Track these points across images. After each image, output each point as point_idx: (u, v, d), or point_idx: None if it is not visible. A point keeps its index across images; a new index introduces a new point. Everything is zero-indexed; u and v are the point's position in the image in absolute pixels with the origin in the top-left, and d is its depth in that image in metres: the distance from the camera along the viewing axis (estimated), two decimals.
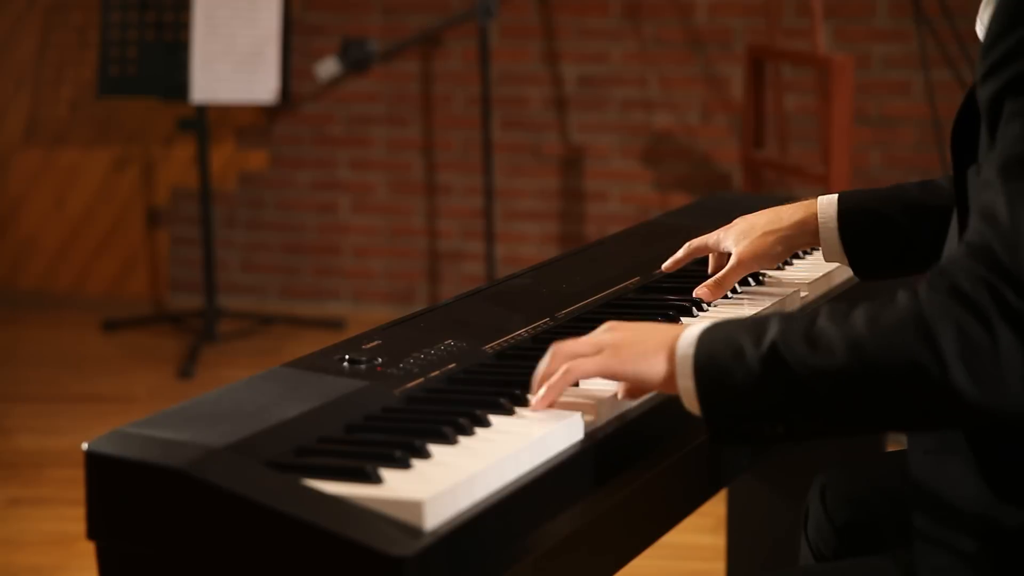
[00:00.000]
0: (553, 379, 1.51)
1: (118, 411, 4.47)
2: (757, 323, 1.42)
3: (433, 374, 1.64)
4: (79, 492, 1.56)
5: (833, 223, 1.93)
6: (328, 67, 5.07)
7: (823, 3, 4.60)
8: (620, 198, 5.39)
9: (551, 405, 1.52)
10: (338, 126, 5.57)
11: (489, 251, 4.99)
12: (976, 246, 1.34)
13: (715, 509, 2.88)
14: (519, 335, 1.79)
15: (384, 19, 5.46)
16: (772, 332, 1.40)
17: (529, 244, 5.44)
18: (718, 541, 3.38)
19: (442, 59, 5.45)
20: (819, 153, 4.66)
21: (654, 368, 1.48)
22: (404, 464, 1.39)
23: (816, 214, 1.95)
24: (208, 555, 1.35)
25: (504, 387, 1.58)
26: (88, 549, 1.43)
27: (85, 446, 1.41)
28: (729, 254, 1.97)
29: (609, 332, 1.53)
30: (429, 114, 5.49)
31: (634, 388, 1.53)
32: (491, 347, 1.74)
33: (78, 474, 1.75)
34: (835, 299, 2.08)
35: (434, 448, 1.43)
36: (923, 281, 1.37)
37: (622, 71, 5.32)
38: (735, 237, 1.97)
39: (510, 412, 1.54)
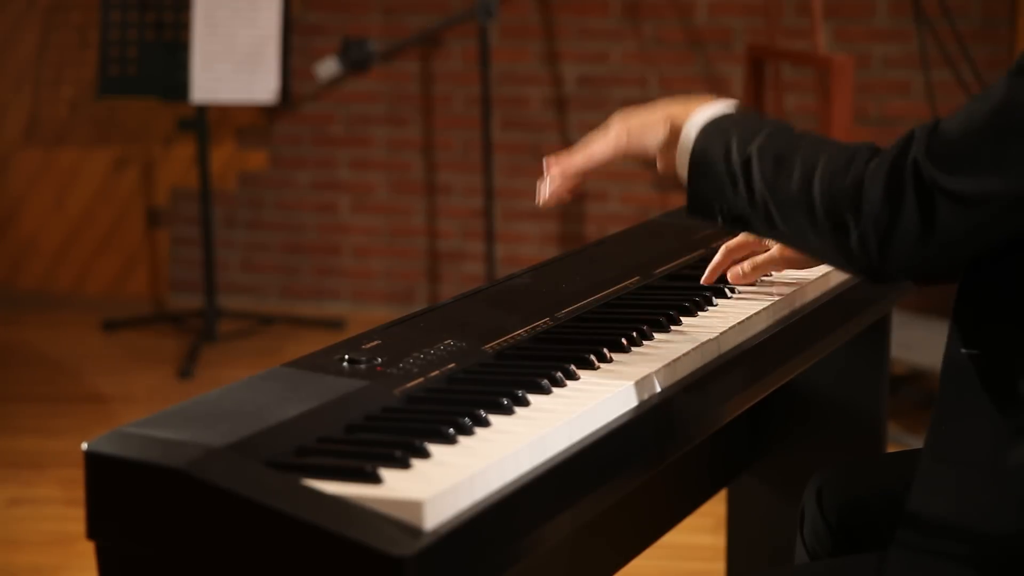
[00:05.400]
0: (572, 157, 1.81)
1: (118, 411, 4.47)
2: (750, 127, 1.66)
3: (433, 374, 1.64)
4: (79, 492, 1.56)
5: None
6: (328, 67, 5.07)
7: (823, 3, 4.60)
8: (620, 198, 5.39)
9: (564, 183, 1.82)
10: (338, 126, 5.57)
11: (489, 251, 4.99)
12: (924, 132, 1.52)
13: (715, 509, 2.88)
14: (519, 335, 1.79)
15: (384, 19, 5.46)
16: (757, 142, 1.64)
17: (529, 244, 5.44)
18: (718, 541, 3.38)
19: (442, 59, 5.45)
20: None
21: (655, 139, 1.75)
22: (404, 464, 1.39)
23: None
24: (208, 555, 1.35)
25: (504, 387, 1.58)
26: (88, 549, 1.43)
27: (85, 446, 1.41)
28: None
29: (618, 117, 1.81)
30: (429, 114, 5.49)
31: (636, 155, 1.79)
32: (491, 347, 1.74)
33: (78, 474, 1.75)
34: (841, 298, 2.08)
35: (434, 448, 1.43)
36: (880, 151, 1.55)
37: (622, 71, 5.32)
38: None
39: (510, 412, 1.54)
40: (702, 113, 1.71)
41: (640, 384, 1.63)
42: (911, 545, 1.58)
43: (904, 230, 1.49)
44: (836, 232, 1.54)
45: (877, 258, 1.52)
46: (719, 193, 1.66)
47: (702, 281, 2.02)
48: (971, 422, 1.56)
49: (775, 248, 1.97)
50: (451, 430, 1.46)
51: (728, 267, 2.01)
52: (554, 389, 1.61)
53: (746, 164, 1.63)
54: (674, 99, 1.79)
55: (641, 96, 5.29)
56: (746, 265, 1.99)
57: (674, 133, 1.73)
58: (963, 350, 1.57)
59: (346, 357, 1.65)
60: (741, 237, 2.01)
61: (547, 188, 1.83)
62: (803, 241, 1.61)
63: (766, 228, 1.64)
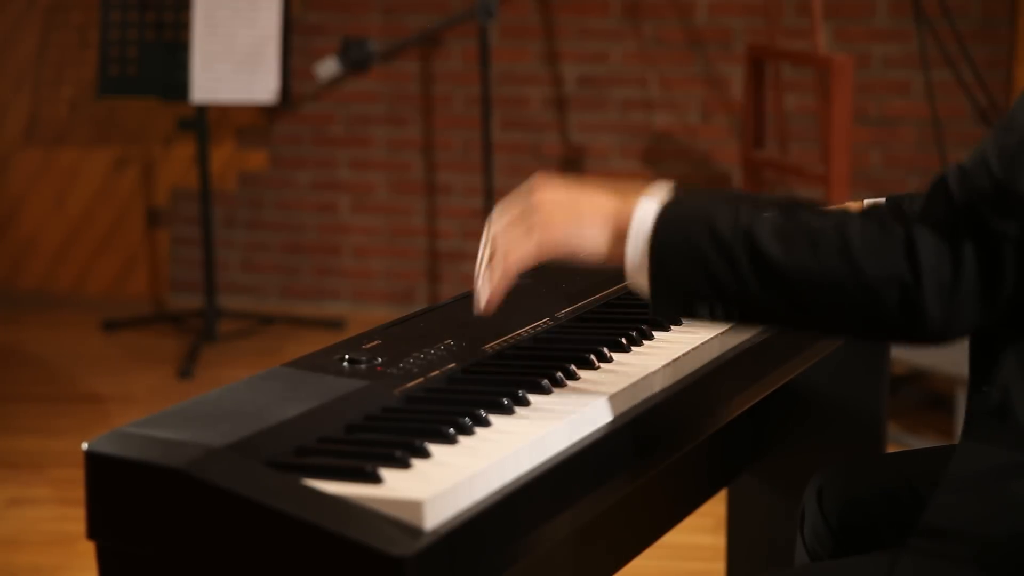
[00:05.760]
0: (494, 281, 1.57)
1: (118, 411, 4.47)
2: (724, 204, 1.47)
3: (433, 374, 1.64)
4: (79, 492, 1.56)
5: None
6: (328, 67, 5.07)
7: (823, 3, 4.60)
8: None
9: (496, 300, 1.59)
10: (338, 126, 5.57)
11: None
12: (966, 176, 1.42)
13: (715, 509, 2.87)
14: (519, 335, 1.79)
15: (384, 19, 5.46)
16: (748, 216, 1.45)
17: None
18: (718, 541, 3.38)
19: (442, 59, 5.45)
20: (819, 153, 4.66)
21: (593, 242, 1.56)
22: (404, 464, 1.39)
23: None
24: (208, 555, 1.35)
25: (504, 387, 1.58)
26: (88, 549, 1.43)
27: (85, 446, 1.41)
28: None
29: (536, 207, 1.57)
30: (429, 114, 5.49)
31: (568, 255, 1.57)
32: (491, 347, 1.74)
33: (78, 474, 1.75)
34: None
35: (434, 448, 1.43)
36: (906, 210, 1.43)
37: (622, 71, 5.32)
38: None
39: (510, 412, 1.54)
40: (648, 201, 1.56)
41: (640, 384, 1.63)
42: (923, 551, 1.57)
43: (968, 286, 1.39)
44: (881, 302, 1.41)
45: (939, 321, 1.40)
46: (707, 280, 1.46)
47: None
48: (989, 453, 1.55)
49: None
50: (451, 430, 1.46)
51: None
52: (554, 389, 1.61)
53: (747, 240, 1.45)
54: (580, 196, 1.58)
55: (642, 96, 5.30)
56: None
57: (615, 228, 1.55)
58: (983, 388, 1.56)
59: (346, 357, 1.65)
60: None
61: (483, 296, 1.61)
62: (832, 320, 1.46)
63: (781, 314, 1.47)
